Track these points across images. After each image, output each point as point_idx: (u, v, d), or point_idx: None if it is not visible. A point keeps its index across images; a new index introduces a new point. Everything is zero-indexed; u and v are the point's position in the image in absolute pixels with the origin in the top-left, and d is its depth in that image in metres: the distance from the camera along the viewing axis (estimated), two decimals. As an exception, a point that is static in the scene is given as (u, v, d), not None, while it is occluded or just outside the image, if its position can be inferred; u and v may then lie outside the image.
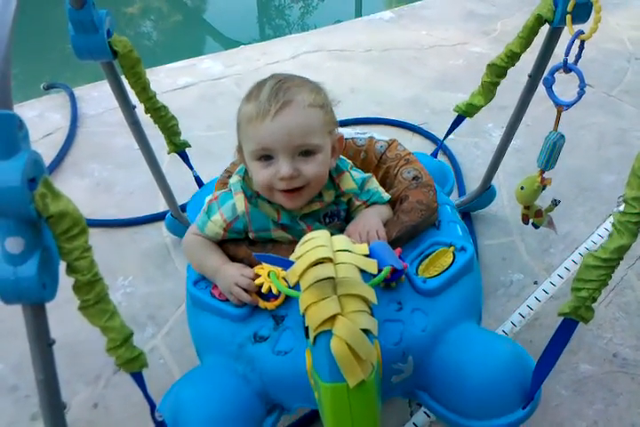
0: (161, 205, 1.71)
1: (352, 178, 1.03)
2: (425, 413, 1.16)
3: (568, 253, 1.56)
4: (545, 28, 1.12)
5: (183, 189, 1.56)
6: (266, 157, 0.91)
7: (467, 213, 1.66)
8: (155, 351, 1.30)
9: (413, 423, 1.15)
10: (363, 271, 0.72)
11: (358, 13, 4.45)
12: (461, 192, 1.74)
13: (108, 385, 1.23)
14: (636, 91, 2.32)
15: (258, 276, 0.91)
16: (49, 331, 0.70)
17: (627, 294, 1.43)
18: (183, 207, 1.53)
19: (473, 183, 1.77)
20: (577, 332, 0.83)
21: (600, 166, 1.89)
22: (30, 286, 0.64)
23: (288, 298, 0.90)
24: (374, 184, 1.07)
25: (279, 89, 0.89)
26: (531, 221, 1.21)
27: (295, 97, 0.89)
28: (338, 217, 1.04)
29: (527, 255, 1.55)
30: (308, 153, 0.91)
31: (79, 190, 1.79)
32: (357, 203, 1.05)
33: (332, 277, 0.68)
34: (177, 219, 1.51)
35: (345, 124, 2.06)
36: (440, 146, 1.49)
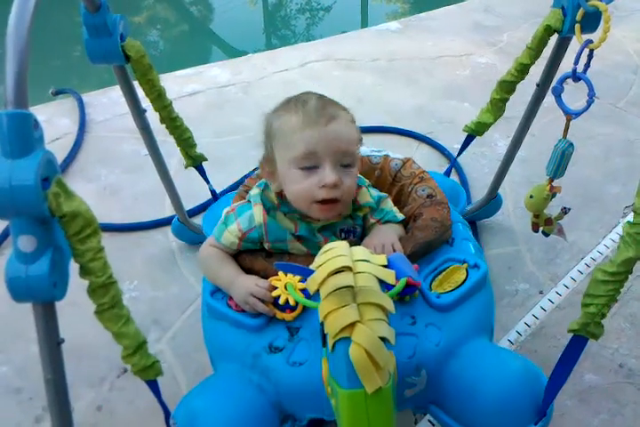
0: (167, 210, 1.71)
1: (369, 194, 1.06)
2: (429, 421, 1.16)
3: (574, 263, 1.56)
4: (552, 40, 1.13)
5: (190, 195, 1.57)
6: (308, 167, 0.92)
7: (472, 222, 1.66)
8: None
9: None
10: (380, 282, 0.73)
11: (364, 24, 4.47)
12: (468, 201, 1.74)
13: (112, 388, 1.23)
14: (643, 103, 2.33)
15: (274, 287, 0.91)
16: (58, 330, 0.70)
17: (632, 305, 1.43)
18: (190, 213, 1.54)
19: (479, 192, 1.77)
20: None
21: (606, 177, 1.89)
22: (41, 285, 0.64)
23: (304, 310, 0.91)
24: (389, 204, 1.09)
25: (325, 104, 0.94)
26: (541, 229, 1.21)
27: (339, 112, 0.95)
28: (354, 234, 1.06)
29: (533, 265, 1.55)
30: (347, 166, 0.94)
31: (86, 195, 1.73)
32: (372, 221, 1.07)
33: (351, 286, 0.70)
34: (183, 224, 1.51)
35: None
36: (453, 164, 1.52)
